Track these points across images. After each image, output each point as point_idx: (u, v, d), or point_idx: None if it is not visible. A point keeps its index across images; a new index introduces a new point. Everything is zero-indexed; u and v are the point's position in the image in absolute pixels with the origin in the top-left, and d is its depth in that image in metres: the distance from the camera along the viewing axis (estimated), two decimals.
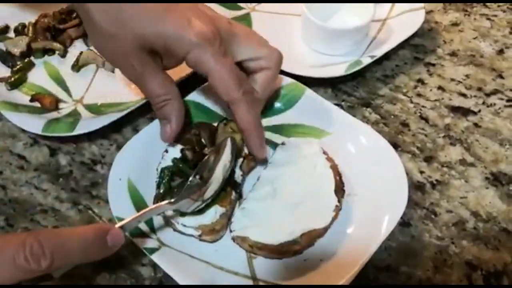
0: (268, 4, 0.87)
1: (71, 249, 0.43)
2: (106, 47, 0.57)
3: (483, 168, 0.67)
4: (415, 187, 0.66)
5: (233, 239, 0.58)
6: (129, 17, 0.54)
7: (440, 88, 0.77)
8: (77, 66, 0.75)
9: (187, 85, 0.68)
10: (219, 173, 0.57)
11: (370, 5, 0.77)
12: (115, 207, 0.58)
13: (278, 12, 0.86)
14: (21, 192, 0.64)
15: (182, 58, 0.56)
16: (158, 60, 0.58)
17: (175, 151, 0.61)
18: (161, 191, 0.58)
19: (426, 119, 0.73)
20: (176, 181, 0.59)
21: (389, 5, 0.86)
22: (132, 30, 0.54)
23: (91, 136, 0.68)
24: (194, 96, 0.68)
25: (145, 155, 0.63)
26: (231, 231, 0.58)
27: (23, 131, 0.68)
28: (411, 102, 0.75)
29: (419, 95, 0.76)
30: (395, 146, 0.69)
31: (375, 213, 0.59)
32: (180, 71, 0.67)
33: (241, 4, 0.86)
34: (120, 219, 0.56)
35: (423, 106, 0.75)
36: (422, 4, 0.82)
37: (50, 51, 0.77)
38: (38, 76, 0.75)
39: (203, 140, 0.59)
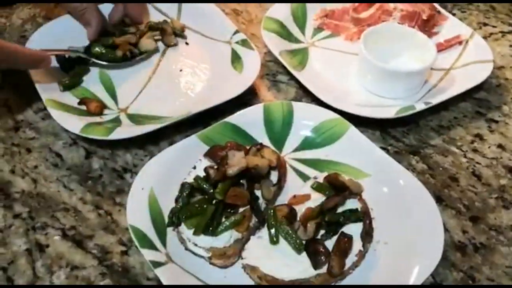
0: (327, 40, 0.86)
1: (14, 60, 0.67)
2: None
3: None
4: (456, 247, 0.59)
5: (244, 267, 0.55)
6: None
7: (500, 146, 0.71)
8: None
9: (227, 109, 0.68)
10: None
11: (433, 52, 0.74)
12: (131, 215, 0.57)
13: (337, 49, 0.84)
14: (49, 188, 0.64)
15: None
16: None
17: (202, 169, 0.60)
18: (179, 205, 0.56)
19: (478, 177, 0.67)
20: (196, 197, 0.57)
21: (456, 54, 0.81)
22: None
23: (128, 145, 0.68)
24: (233, 119, 0.67)
25: (173, 169, 0.61)
26: (242, 258, 0.55)
27: (66, 131, 0.69)
28: (465, 156, 0.69)
29: (475, 150, 0.70)
30: (439, 200, 0.63)
31: (403, 266, 0.54)
32: None
33: (302, 39, 0.85)
34: (135, 229, 0.55)
35: (477, 163, 0.68)
36: (491, 57, 0.77)
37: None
38: (92, 82, 0.77)
39: (229, 160, 0.57)
